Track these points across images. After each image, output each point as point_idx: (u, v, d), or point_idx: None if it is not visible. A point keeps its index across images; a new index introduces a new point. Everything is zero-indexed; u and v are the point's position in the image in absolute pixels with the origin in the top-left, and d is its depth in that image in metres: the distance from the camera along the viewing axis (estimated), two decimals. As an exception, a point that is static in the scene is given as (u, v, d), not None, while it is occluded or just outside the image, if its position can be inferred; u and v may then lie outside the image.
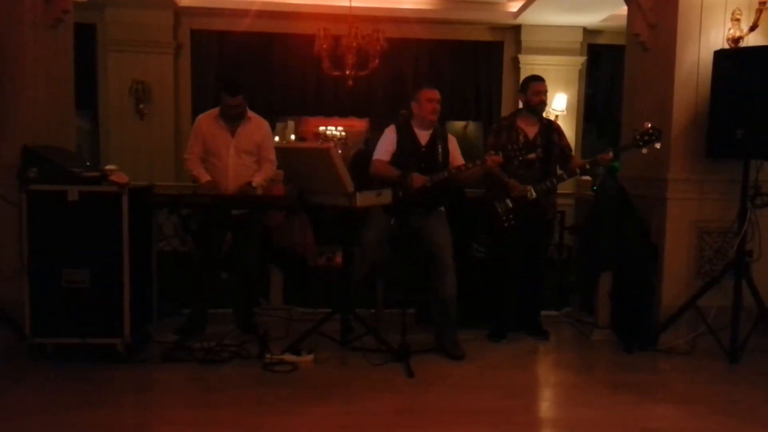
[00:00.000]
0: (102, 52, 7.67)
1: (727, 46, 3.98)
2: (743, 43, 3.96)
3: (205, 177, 4.02)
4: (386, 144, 3.97)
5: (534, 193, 4.05)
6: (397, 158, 3.92)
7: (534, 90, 4.17)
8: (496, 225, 4.11)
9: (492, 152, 3.83)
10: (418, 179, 3.75)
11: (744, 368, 3.80)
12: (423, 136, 3.94)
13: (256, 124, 4.10)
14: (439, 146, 3.95)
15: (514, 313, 4.31)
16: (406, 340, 3.69)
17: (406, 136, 3.95)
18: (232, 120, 4.01)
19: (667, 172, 4.08)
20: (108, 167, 3.93)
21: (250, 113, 4.09)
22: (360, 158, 5.13)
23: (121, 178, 3.67)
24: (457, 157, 3.99)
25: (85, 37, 7.24)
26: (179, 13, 7.65)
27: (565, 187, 4.83)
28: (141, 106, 7.61)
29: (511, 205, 4.07)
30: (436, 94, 3.95)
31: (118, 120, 7.67)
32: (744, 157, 3.84)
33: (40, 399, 3.23)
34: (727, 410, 3.26)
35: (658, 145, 3.87)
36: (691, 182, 4.08)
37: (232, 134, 4.03)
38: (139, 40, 7.52)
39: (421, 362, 3.65)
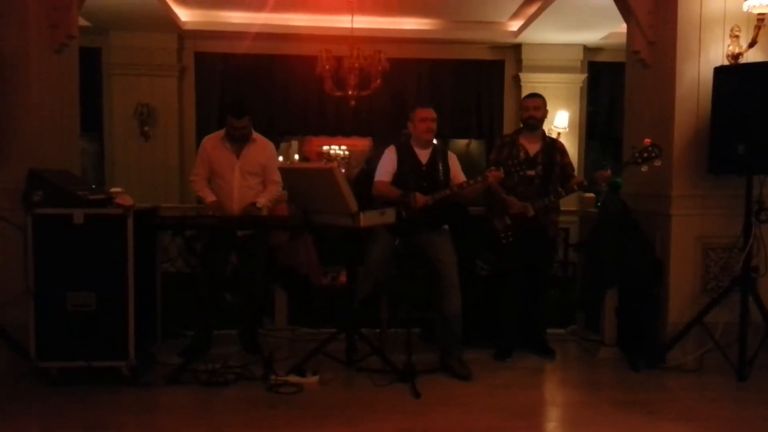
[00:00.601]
0: (107, 76, 7.74)
1: (726, 63, 4.00)
2: (743, 60, 3.98)
3: (210, 197, 4.04)
4: (387, 165, 3.99)
5: (532, 210, 4.05)
6: (398, 178, 3.94)
7: (525, 106, 4.25)
8: (495, 242, 4.11)
9: (493, 168, 3.85)
10: (420, 199, 3.77)
11: (753, 385, 3.77)
12: (423, 155, 3.96)
13: (261, 146, 4.13)
14: (440, 164, 3.97)
15: (517, 329, 4.29)
16: (411, 360, 3.67)
17: (406, 156, 3.97)
18: (238, 141, 4.04)
19: (670, 188, 4.09)
20: (113, 189, 3.95)
21: (255, 134, 4.12)
22: (362, 177, 5.14)
23: (126, 200, 3.69)
24: (458, 174, 4.01)
25: (91, 61, 7.33)
26: (183, 36, 7.74)
27: (569, 203, 4.84)
28: (146, 128, 7.66)
29: (509, 222, 4.08)
30: (430, 114, 3.96)
31: (123, 142, 7.72)
32: (746, 172, 3.84)
33: (45, 422, 3.22)
34: (736, 428, 3.23)
35: (658, 163, 3.87)
36: (694, 198, 4.08)
37: (237, 156, 4.06)
38: (143, 64, 7.60)
39: (426, 382, 3.63)
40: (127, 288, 3.56)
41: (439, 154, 4.01)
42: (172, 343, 4.18)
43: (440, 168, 3.96)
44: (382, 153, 4.11)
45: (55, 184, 3.65)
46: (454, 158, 4.10)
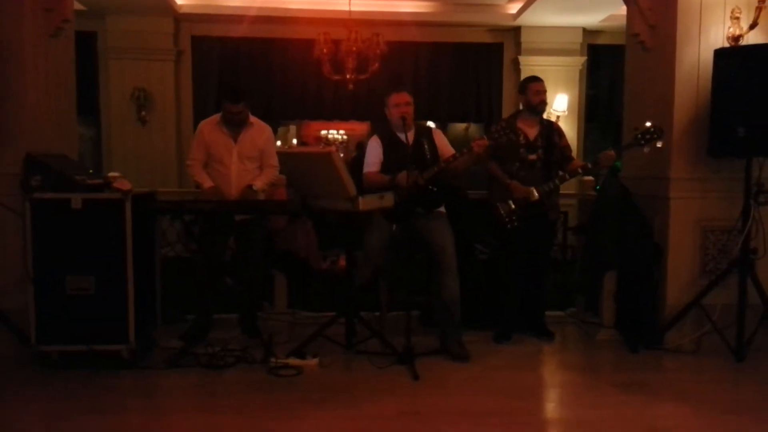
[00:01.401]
0: (103, 60, 7.69)
1: (727, 45, 3.98)
2: (743, 42, 3.95)
3: (208, 183, 4.02)
4: (372, 155, 3.98)
5: (536, 194, 4.05)
6: (387, 165, 3.93)
7: (534, 90, 4.17)
8: (499, 227, 4.11)
9: (476, 138, 3.83)
10: (403, 177, 3.74)
11: (750, 366, 3.79)
12: (407, 137, 3.92)
13: (258, 130, 4.10)
14: (425, 143, 3.94)
15: (518, 313, 4.31)
16: (410, 343, 3.69)
17: (390, 142, 3.96)
18: (235, 126, 4.02)
19: (669, 171, 4.08)
20: (111, 174, 3.93)
21: (253, 118, 4.09)
22: (356, 163, 5.14)
23: (124, 185, 3.68)
24: (446, 149, 3.98)
25: (87, 45, 7.27)
26: (179, 19, 7.68)
27: (568, 187, 4.84)
28: (143, 112, 7.63)
29: (513, 207, 4.07)
30: (403, 98, 3.91)
31: (120, 127, 7.69)
32: (746, 154, 3.84)
33: (45, 406, 3.23)
34: (734, 409, 3.25)
35: (659, 144, 3.87)
36: (693, 181, 4.08)
37: (235, 140, 4.04)
38: (140, 48, 7.55)
39: (426, 365, 3.65)
40: (126, 272, 3.56)
41: (423, 134, 3.99)
42: (173, 328, 4.18)
43: (426, 147, 3.93)
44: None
45: (53, 168, 3.64)
46: (439, 134, 4.08)
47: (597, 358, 4.10)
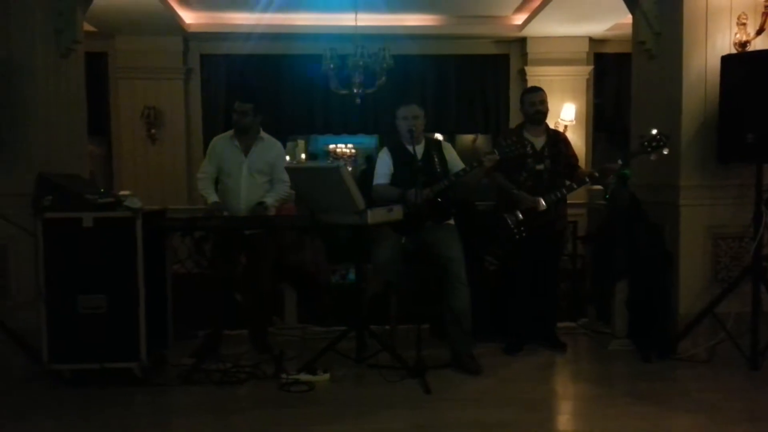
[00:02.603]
0: (113, 79, 7.79)
1: (734, 51, 3.97)
2: (750, 47, 3.95)
3: (211, 197, 4.07)
4: (382, 167, 4.01)
5: (544, 204, 4.04)
6: (396, 178, 3.94)
7: (528, 102, 4.23)
8: (508, 237, 4.10)
9: (486, 152, 3.84)
10: (412, 195, 3.71)
11: (765, 375, 3.75)
12: (416, 150, 3.92)
13: (269, 144, 4.17)
14: (435, 157, 3.96)
15: (529, 324, 4.28)
16: (421, 356, 3.68)
17: (400, 155, 3.97)
18: (244, 134, 4.07)
19: (679, 178, 4.06)
20: (122, 192, 3.97)
21: (263, 133, 4.16)
22: (365, 176, 5.15)
23: (135, 203, 3.71)
24: (455, 162, 3.99)
25: (97, 65, 7.38)
26: (188, 38, 7.77)
27: (577, 196, 4.82)
28: (153, 130, 7.70)
29: (522, 217, 4.07)
30: (411, 111, 3.93)
31: (131, 145, 7.77)
32: (755, 160, 3.81)
33: (59, 424, 3.24)
34: (749, 418, 3.20)
35: (666, 151, 3.85)
36: (703, 188, 4.06)
37: (246, 154, 4.08)
38: (149, 67, 7.64)
39: (437, 378, 3.63)
40: (137, 290, 3.58)
41: (433, 147, 4.01)
42: (184, 344, 4.19)
43: (436, 160, 3.95)
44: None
45: (64, 188, 3.68)
46: (448, 147, 4.10)
47: (610, 369, 4.06)
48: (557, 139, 4.30)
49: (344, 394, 3.54)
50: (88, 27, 5.09)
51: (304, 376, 3.66)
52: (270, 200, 4.09)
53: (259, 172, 4.11)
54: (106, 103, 7.79)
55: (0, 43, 3.86)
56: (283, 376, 3.66)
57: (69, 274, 3.57)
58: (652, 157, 3.88)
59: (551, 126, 4.45)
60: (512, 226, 4.07)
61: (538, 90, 4.30)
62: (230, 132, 4.17)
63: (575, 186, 4.12)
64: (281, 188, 4.16)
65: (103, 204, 3.67)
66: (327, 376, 3.71)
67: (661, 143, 3.85)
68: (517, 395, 3.52)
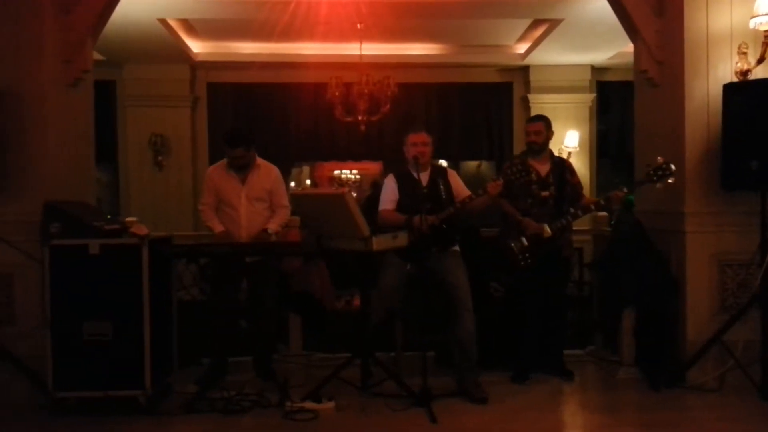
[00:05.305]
0: (121, 108, 7.90)
1: (735, 79, 4.00)
2: (751, 76, 3.97)
3: (218, 228, 4.09)
4: (388, 193, 4.02)
5: (549, 231, 4.04)
6: (402, 204, 3.95)
7: (526, 131, 4.31)
8: (513, 264, 4.09)
9: (492, 180, 3.86)
10: (418, 221, 3.72)
11: (776, 404, 3.70)
12: (423, 177, 3.94)
13: (265, 171, 4.17)
14: (441, 184, 3.98)
15: (536, 352, 4.25)
16: (427, 384, 3.65)
17: (406, 181, 3.99)
18: (239, 170, 4.09)
19: (684, 205, 4.06)
20: (128, 219, 3.99)
21: (259, 160, 4.16)
22: (371, 202, 5.17)
23: (141, 230, 3.72)
24: (461, 190, 4.01)
25: (105, 93, 7.49)
26: (195, 67, 7.89)
27: (582, 223, 4.82)
28: (160, 158, 7.78)
29: (527, 244, 4.06)
30: (420, 138, 3.97)
31: (138, 172, 7.84)
32: (759, 187, 3.82)
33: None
34: (761, 448, 3.16)
35: (671, 180, 3.86)
36: (708, 215, 4.05)
37: (243, 182, 4.10)
38: (157, 95, 7.75)
39: (443, 406, 3.59)
40: (142, 317, 3.58)
41: (438, 174, 4.03)
42: (188, 371, 4.17)
43: (441, 187, 3.97)
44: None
45: (71, 215, 3.70)
46: (454, 175, 4.12)
47: (618, 398, 4.01)
48: (563, 166, 4.32)
49: (349, 423, 3.51)
50: (96, 56, 5.16)
51: (308, 404, 3.63)
52: (273, 226, 4.10)
53: (257, 199, 4.12)
54: (113, 131, 7.88)
55: (9, 72, 3.91)
56: (288, 404, 3.63)
57: (75, 301, 3.57)
58: (659, 185, 3.89)
59: (555, 153, 4.47)
60: (517, 252, 4.07)
61: (534, 120, 4.35)
62: (224, 161, 4.15)
63: (580, 213, 4.12)
64: (283, 213, 4.17)
65: (109, 231, 3.69)
66: (332, 404, 3.67)
67: (668, 172, 3.86)
68: (524, 424, 3.48)
